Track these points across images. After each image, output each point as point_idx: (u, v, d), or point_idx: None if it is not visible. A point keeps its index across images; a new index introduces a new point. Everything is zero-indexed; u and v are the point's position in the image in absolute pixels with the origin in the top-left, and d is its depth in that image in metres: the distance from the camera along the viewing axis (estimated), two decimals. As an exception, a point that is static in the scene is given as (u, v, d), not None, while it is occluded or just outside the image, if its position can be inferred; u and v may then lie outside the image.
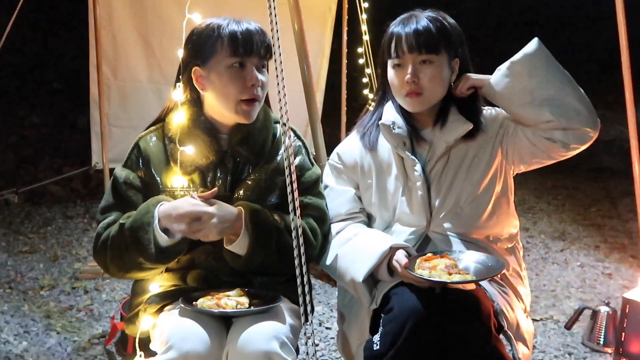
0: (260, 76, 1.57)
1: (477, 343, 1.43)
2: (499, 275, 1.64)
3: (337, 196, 1.74)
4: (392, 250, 1.56)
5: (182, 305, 1.48)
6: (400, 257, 1.54)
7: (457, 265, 1.49)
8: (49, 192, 4.87)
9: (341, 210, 1.73)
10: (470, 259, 1.55)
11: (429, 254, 1.54)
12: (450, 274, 1.45)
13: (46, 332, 2.65)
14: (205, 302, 1.48)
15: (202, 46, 1.56)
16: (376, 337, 1.48)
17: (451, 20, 1.68)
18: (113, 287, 3.14)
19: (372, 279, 1.60)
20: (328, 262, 1.66)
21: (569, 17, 9.77)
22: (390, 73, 1.67)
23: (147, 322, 1.56)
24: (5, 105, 6.03)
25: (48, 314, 2.82)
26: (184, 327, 1.44)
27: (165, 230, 1.48)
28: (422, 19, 1.62)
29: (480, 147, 1.67)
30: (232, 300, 1.48)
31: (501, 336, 1.55)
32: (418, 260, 1.51)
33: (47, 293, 3.06)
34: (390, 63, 1.66)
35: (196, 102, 1.62)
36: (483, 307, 1.46)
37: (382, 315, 1.51)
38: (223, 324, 1.53)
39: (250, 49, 1.54)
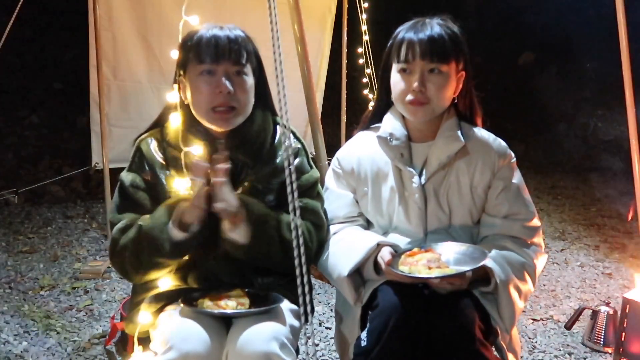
0: (229, 84, 1.53)
1: (461, 345, 1.44)
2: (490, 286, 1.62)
3: (336, 199, 1.74)
4: (379, 247, 1.56)
5: (182, 305, 1.48)
6: (385, 253, 1.54)
7: (440, 259, 1.48)
8: (49, 192, 4.87)
9: (339, 213, 1.73)
10: (452, 251, 1.54)
11: (415, 249, 1.54)
12: (430, 268, 1.44)
13: (46, 332, 2.65)
14: (206, 303, 1.48)
15: (181, 55, 1.58)
16: (364, 334, 1.49)
17: (459, 30, 1.63)
18: (113, 287, 3.14)
19: (360, 277, 1.60)
20: (321, 261, 1.67)
21: (569, 15, 9.77)
22: (395, 77, 1.62)
23: (146, 318, 1.56)
24: (5, 105, 6.03)
25: (48, 314, 2.82)
26: (185, 327, 1.44)
27: (180, 227, 1.49)
28: (435, 25, 1.58)
29: (481, 174, 1.65)
30: (232, 301, 1.48)
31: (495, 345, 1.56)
32: (402, 257, 1.51)
33: (47, 293, 3.06)
34: (396, 67, 1.62)
35: (181, 105, 1.62)
36: (467, 312, 1.46)
37: (369, 312, 1.52)
38: (223, 325, 1.53)
39: (217, 56, 1.52)
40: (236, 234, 1.52)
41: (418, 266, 1.46)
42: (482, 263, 1.46)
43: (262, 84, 1.67)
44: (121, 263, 1.56)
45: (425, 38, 1.56)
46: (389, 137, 1.66)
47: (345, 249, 1.61)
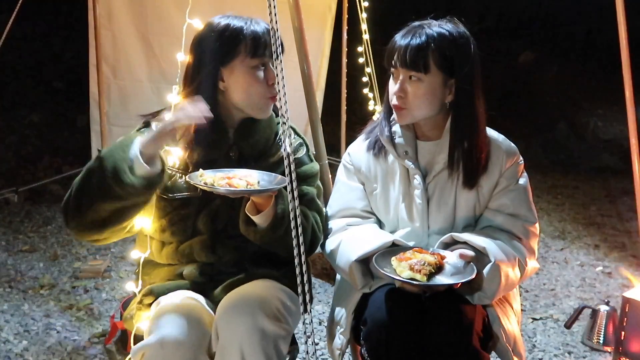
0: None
1: (456, 354, 1.45)
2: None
3: (350, 191, 1.74)
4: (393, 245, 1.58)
5: (187, 179, 1.50)
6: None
7: (431, 266, 1.45)
8: (48, 191, 4.85)
9: (356, 205, 1.73)
10: (452, 259, 1.52)
11: (421, 248, 1.54)
12: (412, 269, 1.42)
13: (46, 331, 2.65)
14: (217, 181, 1.46)
15: (223, 47, 1.58)
16: (364, 352, 1.52)
17: (461, 36, 1.59)
18: (113, 286, 3.14)
19: (367, 269, 1.60)
20: (330, 248, 1.68)
21: (569, 15, 9.78)
22: (390, 80, 1.66)
23: (145, 323, 1.56)
24: (5, 105, 6.02)
25: (48, 313, 2.82)
26: (164, 313, 1.46)
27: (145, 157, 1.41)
28: (423, 34, 1.56)
29: (488, 175, 1.64)
30: (242, 180, 1.48)
31: (495, 347, 1.57)
32: (409, 252, 1.52)
33: (47, 292, 3.06)
34: (390, 71, 1.65)
35: (209, 97, 1.60)
36: (464, 317, 1.47)
37: (361, 327, 1.55)
38: (207, 311, 1.54)
39: (272, 51, 1.53)
40: (259, 217, 1.54)
41: (402, 267, 1.45)
42: (466, 280, 1.45)
43: None
44: (68, 197, 1.44)
45: (405, 46, 1.56)
46: (394, 135, 1.68)
47: (360, 240, 1.62)
